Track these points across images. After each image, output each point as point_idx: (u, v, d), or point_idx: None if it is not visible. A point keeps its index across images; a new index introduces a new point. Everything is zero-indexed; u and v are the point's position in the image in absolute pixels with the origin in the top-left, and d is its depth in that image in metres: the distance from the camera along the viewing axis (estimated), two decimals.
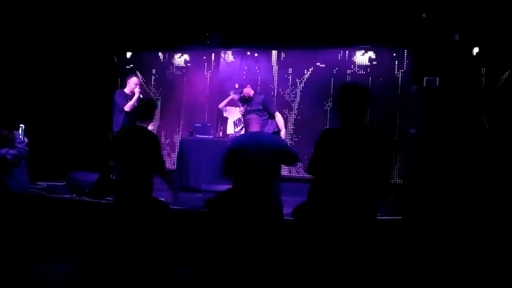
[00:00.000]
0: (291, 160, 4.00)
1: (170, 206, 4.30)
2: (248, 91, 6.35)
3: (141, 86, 6.42)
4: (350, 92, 2.86)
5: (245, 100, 6.39)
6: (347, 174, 2.71)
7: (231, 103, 6.96)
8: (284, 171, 7.28)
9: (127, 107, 5.97)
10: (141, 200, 3.83)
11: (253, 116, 4.16)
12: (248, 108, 6.28)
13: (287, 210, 4.51)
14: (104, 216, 4.60)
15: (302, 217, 2.93)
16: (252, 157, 3.72)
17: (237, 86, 6.70)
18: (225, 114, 7.44)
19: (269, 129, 6.03)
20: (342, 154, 2.74)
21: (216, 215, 3.64)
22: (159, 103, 8.15)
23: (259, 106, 6.13)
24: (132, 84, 6.19)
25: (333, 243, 2.72)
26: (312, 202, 2.88)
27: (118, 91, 6.33)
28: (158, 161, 4.01)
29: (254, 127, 4.01)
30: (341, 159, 2.73)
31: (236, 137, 5.39)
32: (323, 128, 3.03)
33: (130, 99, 6.02)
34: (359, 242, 2.71)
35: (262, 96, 6.33)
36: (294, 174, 7.34)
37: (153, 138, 4.01)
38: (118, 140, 4.16)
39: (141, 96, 6.23)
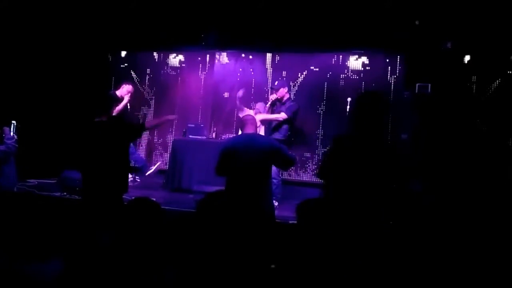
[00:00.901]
0: (287, 162, 3.99)
1: (162, 207, 4.29)
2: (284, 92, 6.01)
3: (132, 95, 6.42)
4: (369, 101, 2.86)
5: (274, 102, 6.07)
6: (357, 181, 2.73)
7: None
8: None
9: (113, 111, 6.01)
10: (110, 198, 3.63)
11: (249, 117, 4.16)
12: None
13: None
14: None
15: (307, 212, 2.95)
16: (245, 158, 3.73)
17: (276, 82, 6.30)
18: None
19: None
20: (353, 162, 2.75)
21: (206, 215, 3.64)
22: (152, 102, 8.15)
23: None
24: (125, 91, 6.30)
25: (334, 244, 2.74)
26: (321, 202, 2.90)
27: (110, 91, 6.36)
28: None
29: (250, 129, 4.03)
30: (351, 166, 2.75)
31: (231, 137, 5.39)
32: (335, 135, 3.03)
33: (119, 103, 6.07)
34: (362, 245, 2.73)
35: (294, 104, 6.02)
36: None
37: (115, 129, 3.70)
38: (77, 139, 3.91)
39: (128, 105, 6.27)
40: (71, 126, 7.35)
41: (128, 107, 6.37)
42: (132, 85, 6.53)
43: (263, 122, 5.97)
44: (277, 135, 5.76)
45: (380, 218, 2.82)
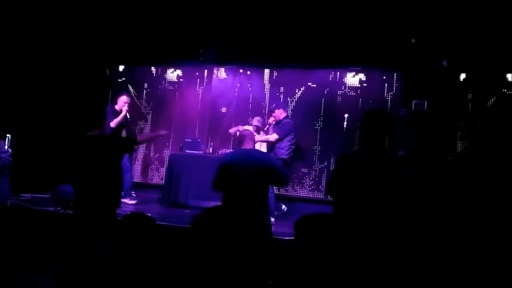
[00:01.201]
0: (281, 181, 3.99)
1: (158, 222, 4.25)
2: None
3: (129, 105, 6.44)
4: (378, 119, 2.89)
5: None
6: (364, 197, 2.74)
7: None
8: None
9: (112, 123, 6.05)
10: (103, 212, 3.60)
11: (247, 133, 4.15)
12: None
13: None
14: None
15: (306, 228, 2.94)
16: (243, 174, 3.71)
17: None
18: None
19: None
20: (360, 178, 2.77)
21: (202, 231, 3.60)
22: (149, 117, 8.15)
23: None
24: (121, 102, 6.29)
25: (334, 260, 2.72)
26: (321, 217, 2.90)
27: (108, 106, 6.36)
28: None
29: (248, 144, 4.02)
30: (359, 183, 2.77)
31: (229, 152, 5.38)
32: (341, 152, 3.10)
33: (118, 116, 6.11)
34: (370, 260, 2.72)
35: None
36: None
37: (107, 143, 3.72)
38: (70, 154, 3.90)
39: (127, 115, 6.29)
40: (66, 140, 7.38)
41: (128, 117, 6.35)
42: (127, 95, 6.53)
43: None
44: (281, 155, 5.87)
45: (388, 232, 2.83)
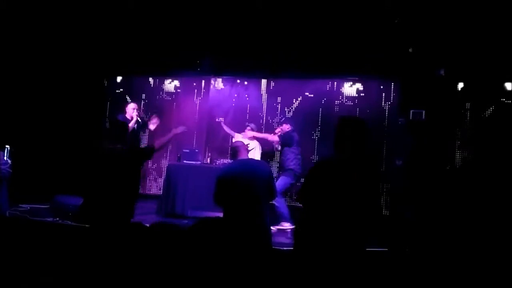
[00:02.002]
0: (271, 192, 3.89)
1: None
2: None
3: (138, 109, 6.58)
4: (346, 124, 2.88)
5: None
6: (336, 205, 2.70)
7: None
8: None
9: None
10: (119, 223, 3.66)
11: (240, 144, 4.12)
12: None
13: None
14: (86, 239, 4.50)
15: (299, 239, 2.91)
16: (245, 184, 3.69)
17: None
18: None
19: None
20: (330, 184, 2.73)
21: (199, 241, 3.56)
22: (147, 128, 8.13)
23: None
24: (130, 109, 6.45)
25: (321, 272, 2.69)
26: (301, 230, 2.86)
27: (119, 115, 6.44)
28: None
29: (243, 154, 4.00)
30: (329, 189, 2.73)
31: (227, 164, 5.35)
32: (319, 158, 3.05)
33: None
34: (347, 272, 2.68)
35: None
36: None
37: (127, 155, 3.78)
38: (91, 165, 3.91)
39: (139, 119, 6.43)
40: (65, 150, 7.36)
41: (140, 121, 6.50)
42: (134, 103, 6.71)
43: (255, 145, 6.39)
44: (288, 166, 5.99)
45: (361, 241, 2.78)
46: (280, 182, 5.91)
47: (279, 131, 6.32)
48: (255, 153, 6.94)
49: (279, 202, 6.03)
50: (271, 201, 3.95)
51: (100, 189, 3.70)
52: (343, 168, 2.75)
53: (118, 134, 3.84)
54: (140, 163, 3.94)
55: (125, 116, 6.39)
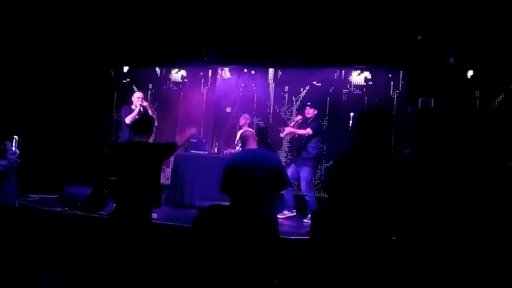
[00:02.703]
0: (282, 181, 3.89)
1: (163, 222, 4.26)
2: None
3: (144, 99, 6.47)
4: (370, 117, 2.87)
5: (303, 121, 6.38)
6: (361, 197, 2.71)
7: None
8: None
9: (127, 119, 6.08)
10: (140, 215, 3.77)
11: (249, 133, 4.12)
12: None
13: None
14: (95, 229, 4.56)
15: (320, 222, 2.94)
16: (252, 173, 3.69)
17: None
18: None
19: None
20: (356, 177, 2.74)
21: (204, 230, 3.56)
22: (154, 118, 8.14)
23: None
24: (135, 98, 6.33)
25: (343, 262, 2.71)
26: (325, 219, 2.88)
27: (124, 106, 6.42)
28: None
29: (252, 144, 4.00)
30: (355, 182, 2.74)
31: (235, 153, 5.35)
32: (339, 151, 3.04)
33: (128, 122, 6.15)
34: (370, 263, 2.69)
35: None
36: None
37: (153, 149, 3.96)
38: (114, 154, 4.13)
39: (148, 108, 6.33)
40: (82, 142, 7.43)
41: (142, 110, 6.29)
42: (139, 91, 6.59)
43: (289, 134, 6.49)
44: (312, 152, 6.04)
45: (383, 233, 2.78)
46: (308, 175, 5.99)
47: (299, 119, 6.32)
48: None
49: (290, 191, 6.07)
50: (280, 191, 3.95)
51: (126, 179, 3.82)
52: (366, 161, 2.75)
53: (145, 128, 3.97)
54: (165, 156, 4.09)
55: (131, 107, 6.29)
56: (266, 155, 3.98)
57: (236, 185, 3.73)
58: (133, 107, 6.30)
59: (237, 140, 7.00)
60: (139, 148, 3.85)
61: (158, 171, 3.92)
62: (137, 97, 6.31)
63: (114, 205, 3.92)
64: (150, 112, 6.36)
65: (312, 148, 6.07)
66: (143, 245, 3.68)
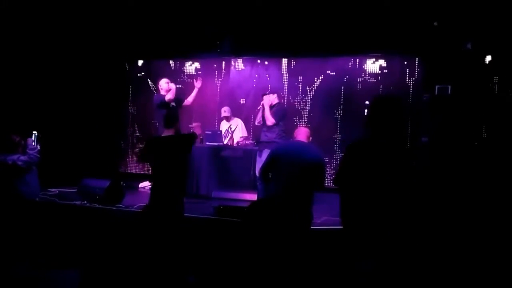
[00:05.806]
0: (320, 182, 3.94)
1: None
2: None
3: (170, 82, 6.67)
4: (383, 104, 2.83)
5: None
6: (373, 188, 2.68)
7: None
8: None
9: (169, 95, 6.44)
10: (173, 208, 4.05)
11: (303, 129, 4.29)
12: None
13: None
14: (113, 222, 4.65)
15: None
16: (292, 165, 3.80)
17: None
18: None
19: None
20: (367, 167, 2.71)
21: (252, 223, 3.58)
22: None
23: None
24: (164, 84, 6.58)
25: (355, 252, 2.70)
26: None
27: (155, 95, 6.62)
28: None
29: (302, 137, 4.12)
30: (366, 172, 2.70)
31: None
32: (350, 142, 2.99)
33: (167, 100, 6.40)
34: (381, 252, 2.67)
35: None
36: None
37: (178, 142, 4.19)
38: (147, 152, 4.43)
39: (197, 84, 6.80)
40: (100, 136, 7.54)
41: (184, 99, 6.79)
42: (164, 78, 6.76)
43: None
44: (271, 135, 5.69)
45: (396, 223, 2.75)
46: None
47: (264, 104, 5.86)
48: (239, 132, 7.03)
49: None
50: (315, 190, 3.99)
51: (158, 172, 4.13)
52: (380, 149, 2.71)
53: (171, 122, 4.21)
54: (188, 149, 4.32)
55: (161, 95, 6.48)
56: (313, 150, 4.04)
57: (278, 172, 3.89)
58: (163, 92, 6.50)
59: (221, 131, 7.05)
60: (167, 142, 4.11)
61: (186, 163, 4.22)
62: (165, 82, 6.55)
63: (149, 199, 4.15)
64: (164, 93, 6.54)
65: (276, 132, 5.72)
66: (178, 237, 3.86)
